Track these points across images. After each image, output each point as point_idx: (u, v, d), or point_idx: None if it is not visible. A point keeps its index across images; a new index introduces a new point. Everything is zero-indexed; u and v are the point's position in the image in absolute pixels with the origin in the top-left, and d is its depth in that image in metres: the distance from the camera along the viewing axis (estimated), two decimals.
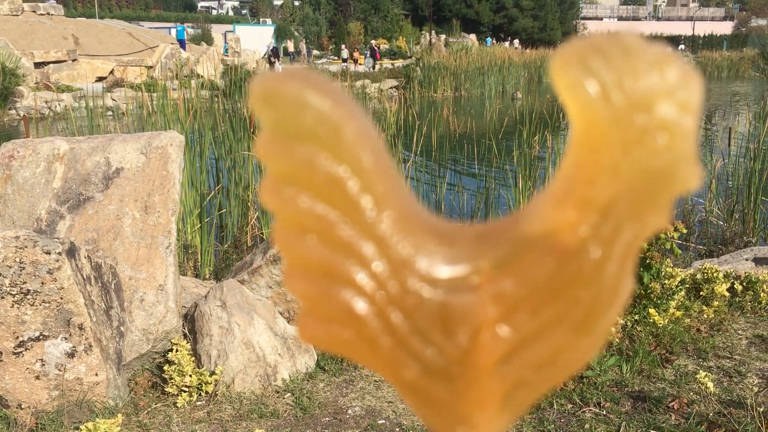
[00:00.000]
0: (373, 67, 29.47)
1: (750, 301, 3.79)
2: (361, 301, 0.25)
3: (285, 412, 2.90)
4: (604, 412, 2.85)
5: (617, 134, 0.24)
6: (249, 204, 6.04)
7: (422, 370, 0.26)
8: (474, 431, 0.26)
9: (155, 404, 2.95)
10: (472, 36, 42.23)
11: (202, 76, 16.36)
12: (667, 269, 3.48)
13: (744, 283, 3.82)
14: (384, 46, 42.84)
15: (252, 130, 5.82)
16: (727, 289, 3.73)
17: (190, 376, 2.94)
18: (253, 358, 3.04)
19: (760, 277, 3.80)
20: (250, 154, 5.78)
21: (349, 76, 25.21)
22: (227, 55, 29.03)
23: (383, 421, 2.82)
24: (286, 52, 32.44)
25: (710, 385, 2.70)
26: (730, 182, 6.61)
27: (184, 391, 2.94)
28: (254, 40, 36.39)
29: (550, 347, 0.26)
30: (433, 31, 35.34)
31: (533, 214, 0.26)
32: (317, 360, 3.22)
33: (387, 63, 33.05)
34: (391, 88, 25.57)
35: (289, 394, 3.01)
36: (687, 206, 6.55)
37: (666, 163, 0.24)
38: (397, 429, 2.78)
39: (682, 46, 54.64)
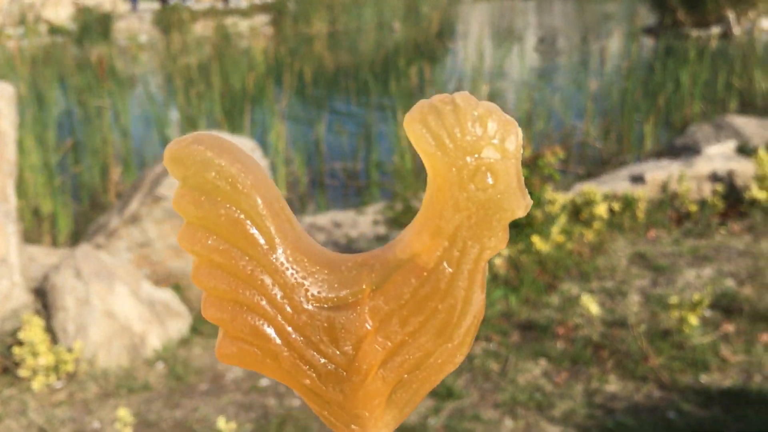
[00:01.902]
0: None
1: (628, 220, 3.85)
2: (264, 322, 0.31)
3: (157, 384, 2.66)
4: (493, 346, 2.80)
5: (453, 176, 0.30)
6: (110, 159, 5.57)
7: (318, 377, 0.32)
8: (365, 427, 0.32)
9: (7, 391, 2.63)
10: None
11: (49, 22, 14.96)
12: (548, 195, 3.44)
13: (621, 203, 3.87)
14: None
15: (103, 76, 5.30)
16: (606, 210, 3.76)
17: (45, 355, 2.63)
18: (117, 329, 2.76)
19: (636, 196, 3.85)
20: (103, 105, 5.28)
21: (217, 14, 24.00)
22: None
23: (266, 381, 2.64)
24: None
25: (593, 308, 2.68)
26: (606, 103, 6.74)
27: (40, 373, 2.63)
28: None
29: (419, 352, 0.32)
30: None
31: (401, 242, 0.32)
32: (192, 323, 2.98)
33: None
34: (263, 25, 24.58)
35: (161, 364, 2.77)
36: (566, 129, 6.64)
37: (494, 197, 0.30)
38: (281, 386, 2.61)
39: None
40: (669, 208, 3.96)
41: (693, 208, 3.87)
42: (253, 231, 0.31)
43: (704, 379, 2.47)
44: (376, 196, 5.42)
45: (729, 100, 8.09)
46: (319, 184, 6.23)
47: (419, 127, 0.29)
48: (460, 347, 0.32)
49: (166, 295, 2.91)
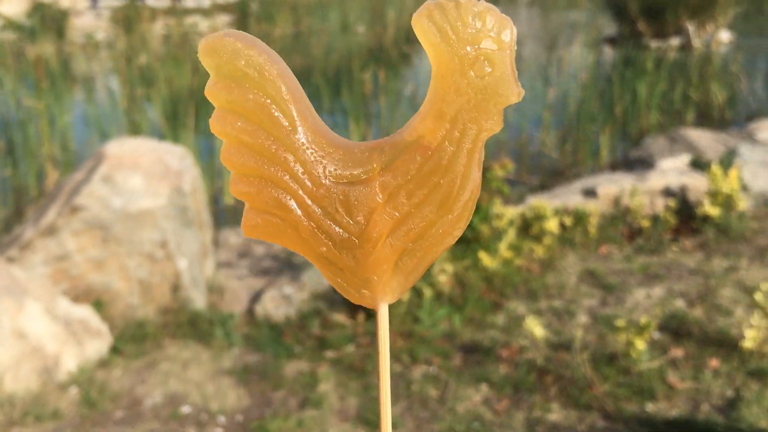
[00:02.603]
0: None
1: (579, 235, 3.74)
2: (287, 195, 0.36)
3: (69, 411, 2.45)
4: (433, 370, 2.65)
5: (455, 64, 0.34)
6: (45, 162, 5.31)
7: (333, 245, 0.36)
8: (374, 291, 0.38)
9: None
10: None
11: (3, 16, 14.47)
12: (497, 209, 3.32)
13: (573, 217, 3.76)
14: None
15: (41, 76, 5.04)
16: (557, 225, 3.65)
17: None
18: (27, 350, 2.54)
19: (588, 210, 3.75)
20: (35, 105, 5.02)
21: (177, 13, 23.58)
22: None
23: (187, 408, 2.45)
24: None
25: (537, 331, 2.55)
26: (563, 113, 6.67)
27: None
28: None
29: (423, 222, 0.36)
30: None
31: (408, 127, 0.37)
32: (112, 343, 2.77)
33: None
34: (226, 24, 24.21)
35: (75, 388, 2.55)
36: (522, 139, 6.56)
37: (491, 83, 0.35)
38: (204, 414, 2.43)
39: None
40: (621, 224, 3.87)
41: (645, 223, 3.79)
42: (278, 114, 0.35)
43: (650, 407, 2.35)
44: None
45: (686, 112, 8.12)
46: None
47: (426, 21, 0.34)
48: (459, 219, 0.36)
49: (85, 313, 2.70)
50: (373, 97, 6.04)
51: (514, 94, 0.35)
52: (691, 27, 15.68)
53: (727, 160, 4.22)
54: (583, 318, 2.97)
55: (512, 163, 3.41)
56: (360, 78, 5.76)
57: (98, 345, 2.71)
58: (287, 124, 0.35)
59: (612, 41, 14.16)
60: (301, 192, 0.36)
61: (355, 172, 0.36)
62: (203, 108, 5.81)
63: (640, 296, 3.13)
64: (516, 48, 0.34)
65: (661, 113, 7.73)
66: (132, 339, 2.78)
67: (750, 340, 2.43)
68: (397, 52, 7.10)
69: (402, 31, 10.87)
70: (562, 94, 7.19)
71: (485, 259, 3.19)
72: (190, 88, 5.95)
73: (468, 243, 3.26)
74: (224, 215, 5.71)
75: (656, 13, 15.76)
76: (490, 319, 2.97)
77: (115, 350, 2.76)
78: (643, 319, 2.43)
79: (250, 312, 3.08)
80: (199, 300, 2.96)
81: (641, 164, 5.08)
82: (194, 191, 2.91)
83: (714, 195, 3.79)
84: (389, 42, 7.29)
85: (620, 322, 2.54)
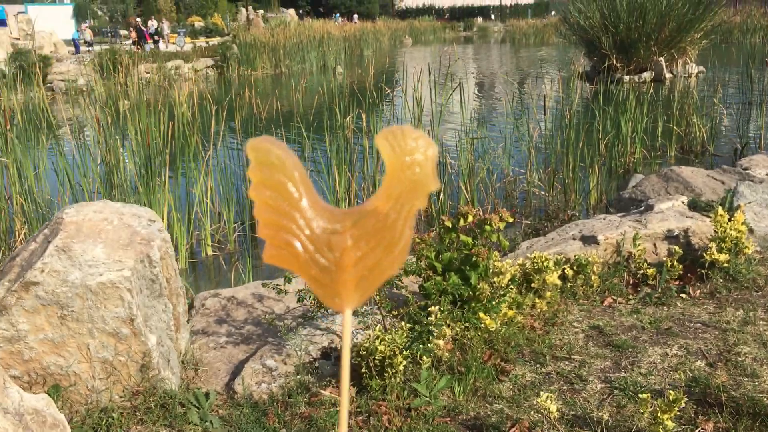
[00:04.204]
0: (137, 46, 26.91)
1: (582, 286, 3.50)
2: (293, 238, 0.51)
3: None
4: None
5: (398, 166, 0.50)
6: (15, 216, 4.99)
7: (319, 270, 0.51)
8: (343, 300, 0.52)
9: None
10: (291, 11, 41.22)
11: None
12: (496, 263, 3.07)
13: (574, 267, 3.53)
14: (198, 23, 40.72)
15: (7, 128, 4.75)
16: (559, 277, 3.41)
17: None
18: None
19: (590, 259, 3.52)
20: (5, 160, 4.72)
21: (160, 56, 23.40)
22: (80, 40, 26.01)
23: None
24: (85, 41, 28.56)
25: (552, 408, 2.28)
26: (549, 151, 6.51)
27: None
28: (51, 20, 32.75)
29: (375, 258, 0.51)
30: (250, 7, 33.89)
31: (369, 202, 0.52)
32: None
33: (202, 41, 31.19)
34: (207, 67, 24.07)
35: None
36: (509, 179, 6.36)
37: (420, 178, 0.50)
38: None
39: (492, 16, 57.12)
40: (624, 272, 3.64)
41: (650, 271, 3.56)
42: (291, 188, 0.50)
43: None
44: None
45: (669, 146, 8.01)
46: (252, 241, 5.74)
47: (382, 140, 0.50)
48: (396, 259, 0.52)
49: (40, 402, 2.37)
50: (355, 141, 5.83)
51: (433, 185, 0.51)
52: (662, 61, 15.84)
53: (729, 202, 4.02)
54: (597, 384, 2.71)
55: (509, 212, 3.17)
56: (342, 122, 5.54)
57: None
58: (297, 195, 0.51)
59: (587, 77, 14.20)
60: (302, 236, 0.52)
61: (336, 227, 0.52)
62: (180, 155, 5.54)
63: (656, 356, 2.88)
64: (436, 155, 0.50)
65: (645, 147, 7.61)
66: (94, 429, 2.46)
67: None
68: (380, 92, 6.91)
69: (381, 71, 10.75)
70: (546, 132, 7.04)
71: (486, 320, 2.93)
72: (165, 135, 5.69)
73: (467, 303, 3.00)
74: (202, 268, 5.41)
75: (628, 48, 15.91)
76: (495, 389, 2.69)
77: None
78: (671, 394, 2.17)
79: (229, 388, 2.77)
80: (171, 379, 2.65)
81: (636, 204, 4.88)
82: (164, 258, 2.62)
83: (721, 240, 3.58)
84: (369, 82, 7.10)
85: (643, 395, 2.27)
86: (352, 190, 5.77)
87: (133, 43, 27.36)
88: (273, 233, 0.51)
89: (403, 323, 2.83)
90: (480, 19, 55.68)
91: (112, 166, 5.55)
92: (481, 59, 27.43)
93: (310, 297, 2.81)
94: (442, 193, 5.60)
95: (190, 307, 3.44)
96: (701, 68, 15.86)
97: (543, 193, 6.08)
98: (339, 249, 0.51)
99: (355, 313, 2.82)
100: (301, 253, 0.51)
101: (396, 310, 2.96)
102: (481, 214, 4.19)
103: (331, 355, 2.91)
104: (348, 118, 5.70)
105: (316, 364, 2.83)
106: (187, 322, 3.14)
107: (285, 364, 2.83)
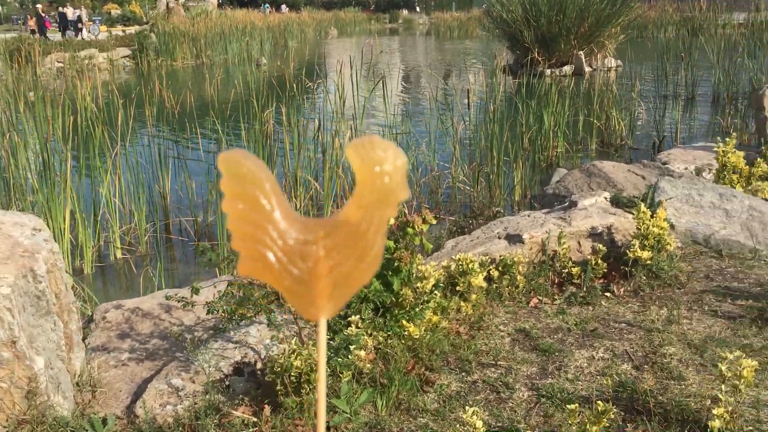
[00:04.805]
0: (41, 34, 25.63)
1: (507, 287, 3.41)
2: (266, 250, 0.52)
3: None
4: None
5: (368, 177, 0.51)
6: None
7: (293, 280, 0.52)
8: (318, 310, 0.53)
9: None
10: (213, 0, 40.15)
11: None
12: (419, 267, 2.93)
13: (500, 268, 3.43)
14: (115, 11, 39.22)
15: None
16: (484, 278, 3.30)
17: None
18: None
19: (516, 259, 3.43)
20: None
21: (72, 46, 22.27)
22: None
23: None
24: None
25: (479, 424, 2.15)
26: (473, 146, 6.44)
27: None
28: None
29: (348, 267, 0.52)
30: None
31: (341, 212, 0.53)
32: None
33: (119, 30, 29.93)
34: (123, 57, 23.09)
35: None
36: (434, 174, 6.26)
37: (389, 188, 0.51)
38: None
39: (417, 8, 57.33)
40: (550, 271, 3.57)
41: (575, 270, 3.51)
42: (263, 201, 0.51)
43: None
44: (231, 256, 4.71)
45: (590, 139, 8.11)
46: (166, 242, 5.43)
47: (352, 151, 0.51)
48: (368, 268, 0.53)
49: None
50: (275, 135, 5.58)
51: (403, 194, 0.52)
52: (582, 55, 16.17)
53: (651, 198, 4.02)
54: (524, 392, 2.60)
55: (432, 213, 3.04)
56: (259, 116, 5.28)
57: None
58: (269, 207, 0.51)
59: (510, 70, 14.33)
60: (275, 248, 0.52)
61: (308, 237, 0.52)
62: (84, 151, 5.16)
63: (583, 360, 2.80)
64: (406, 165, 0.51)
65: (567, 142, 7.67)
66: None
67: (718, 418, 2.12)
68: (302, 85, 6.67)
69: (305, 63, 10.47)
70: (470, 126, 6.98)
71: (410, 327, 2.79)
72: (67, 130, 5.30)
73: (389, 310, 2.84)
74: (111, 272, 5.07)
75: (549, 42, 16.16)
76: (419, 401, 2.55)
77: None
78: (600, 405, 2.08)
79: (130, 412, 2.52)
80: (63, 404, 2.38)
81: (559, 200, 4.85)
82: (52, 271, 2.35)
83: (644, 237, 3.56)
84: (289, 75, 6.85)
85: (571, 406, 2.17)
86: None
87: (32, 31, 25.92)
88: (246, 245, 0.52)
89: None
90: (405, 11, 55.80)
91: (4, 163, 5.12)
92: (405, 51, 27.42)
93: (220, 308, 2.59)
94: None
95: (90, 320, 3.15)
96: (619, 62, 16.27)
97: (468, 188, 6.00)
98: (312, 259, 0.52)
99: (269, 324, 2.62)
100: (274, 264, 0.53)
101: None
102: (405, 212, 4.05)
103: (244, 370, 2.70)
104: (267, 113, 5.45)
105: (228, 382, 2.62)
106: (84, 339, 2.87)
107: (193, 382, 2.61)
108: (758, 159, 4.81)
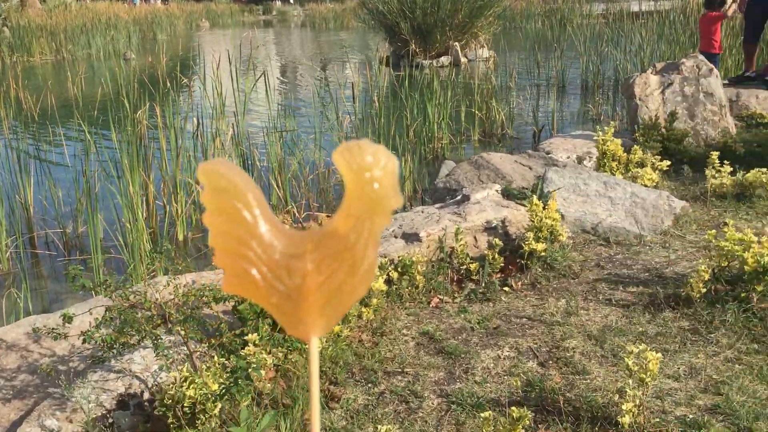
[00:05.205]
0: None
1: (407, 288, 3.32)
2: (251, 266, 0.50)
3: None
4: None
5: (357, 184, 0.48)
6: None
7: (280, 297, 0.50)
8: (307, 327, 0.51)
9: None
10: None
11: None
12: None
13: (399, 269, 3.33)
14: None
15: None
16: (384, 281, 3.20)
17: None
18: None
19: (414, 259, 3.34)
20: None
21: None
22: None
23: None
24: None
25: None
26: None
27: None
28: None
29: (338, 281, 0.50)
30: None
31: (329, 222, 0.51)
32: None
33: None
34: None
35: None
36: (321, 170, 6.10)
37: (380, 196, 0.48)
38: None
39: (291, 0, 56.65)
40: (448, 268, 3.52)
41: (473, 266, 3.47)
42: (245, 213, 0.49)
43: None
44: (103, 271, 4.34)
45: (473, 130, 8.23)
46: (32, 258, 4.94)
47: (339, 157, 0.48)
48: (361, 282, 0.50)
49: None
50: (149, 138, 5.21)
51: (395, 202, 0.49)
52: (457, 46, 16.49)
53: (540, 189, 4.07)
54: (433, 400, 2.52)
55: (327, 216, 2.88)
56: (132, 116, 4.90)
57: None
58: (251, 220, 0.49)
59: (391, 62, 14.37)
60: (260, 263, 0.50)
61: (295, 251, 0.50)
62: None
63: (489, 361, 2.75)
64: (397, 169, 0.48)
65: (451, 133, 7.73)
66: None
67: (627, 414, 2.12)
68: (176, 82, 6.28)
69: (177, 58, 9.94)
70: (356, 120, 6.86)
71: None
72: None
73: None
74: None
75: (426, 33, 16.35)
76: (326, 420, 2.40)
77: None
78: (514, 411, 2.02)
79: None
80: None
81: (451, 194, 4.84)
82: None
83: (537, 229, 3.58)
84: (161, 71, 6.44)
85: (485, 414, 2.10)
86: (149, 192, 5.17)
87: None
88: (230, 261, 0.51)
89: (215, 357, 2.44)
90: (279, 3, 54.94)
91: None
92: (281, 44, 26.92)
93: (99, 339, 2.32)
94: None
95: None
96: (492, 53, 16.73)
97: None
98: (299, 274, 0.51)
99: (156, 347, 2.37)
100: (259, 281, 0.51)
101: (208, 339, 2.55)
102: (296, 212, 3.87)
103: (129, 403, 2.44)
104: (139, 112, 5.08)
105: (111, 418, 2.35)
106: None
107: (71, 422, 2.32)
108: (635, 146, 5.00)
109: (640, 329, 2.92)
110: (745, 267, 2.95)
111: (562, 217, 3.90)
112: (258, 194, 0.50)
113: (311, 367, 0.52)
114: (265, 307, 0.51)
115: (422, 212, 4.05)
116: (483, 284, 3.42)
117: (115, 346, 2.35)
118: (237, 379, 2.15)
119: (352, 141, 0.48)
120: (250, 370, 2.33)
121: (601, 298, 3.24)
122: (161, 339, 2.32)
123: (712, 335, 2.82)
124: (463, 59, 16.27)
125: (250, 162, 5.40)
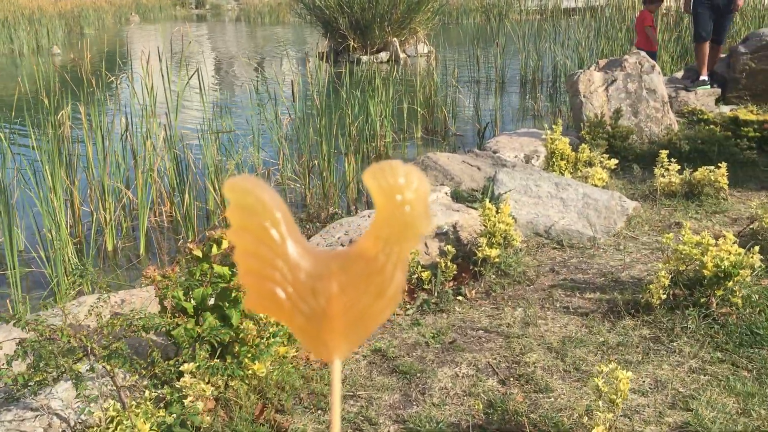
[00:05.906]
0: None
1: None
2: (276, 286, 0.48)
3: None
4: None
5: (388, 206, 0.47)
6: None
7: (304, 318, 0.49)
8: (330, 350, 0.50)
9: None
10: None
11: None
12: None
13: None
14: None
15: None
16: None
17: None
18: None
19: None
20: None
21: None
22: None
23: None
24: None
25: None
26: (302, 140, 6.08)
27: None
28: None
29: (364, 304, 0.49)
30: None
31: (356, 244, 0.49)
32: None
33: None
34: None
35: None
36: (261, 172, 5.83)
37: (411, 219, 0.47)
38: None
39: None
40: None
41: (425, 275, 3.30)
42: (273, 232, 0.48)
43: None
44: (22, 294, 3.98)
45: (416, 127, 8.08)
46: None
47: (370, 178, 0.47)
48: (388, 305, 0.49)
49: None
50: (74, 140, 4.84)
51: (426, 226, 0.48)
52: (396, 42, 16.35)
53: (491, 191, 3.93)
54: (389, 426, 2.33)
55: None
56: (53, 118, 4.53)
57: None
58: (279, 239, 0.47)
59: (329, 58, 14.11)
60: (285, 284, 0.48)
61: (321, 272, 0.48)
62: None
63: (446, 380, 2.58)
64: (429, 193, 0.48)
65: (394, 131, 7.56)
66: None
67: None
68: (98, 81, 5.88)
69: (104, 53, 9.43)
70: (296, 119, 6.60)
71: (253, 365, 2.40)
72: None
73: (228, 348, 2.43)
74: None
75: (364, 29, 16.14)
76: None
77: None
78: None
79: None
80: None
81: None
82: None
83: (491, 234, 3.43)
84: (85, 69, 6.04)
85: None
86: (75, 198, 4.80)
87: None
88: (254, 281, 0.50)
89: (147, 390, 2.19)
90: None
91: None
92: (215, 39, 26.23)
93: (10, 379, 2.03)
94: (187, 195, 4.88)
95: None
96: (431, 48, 16.65)
97: (300, 186, 5.65)
98: (325, 296, 0.49)
99: (77, 387, 2.10)
100: (284, 302, 0.49)
101: (137, 372, 2.29)
102: None
103: None
104: (62, 113, 4.70)
105: None
106: None
107: None
108: (582, 145, 4.93)
109: (601, 339, 2.81)
110: (704, 271, 2.87)
111: (515, 220, 3.76)
112: (285, 212, 0.50)
113: (333, 390, 0.51)
114: (289, 327, 0.51)
115: (369, 217, 3.86)
116: (436, 294, 3.26)
117: (29, 384, 2.07)
118: (169, 405, 1.91)
119: (384, 161, 0.48)
120: (186, 400, 2.09)
121: (558, 305, 3.12)
122: (82, 375, 2.06)
123: (674, 344, 2.72)
124: (402, 55, 16.13)
125: (184, 165, 5.09)
